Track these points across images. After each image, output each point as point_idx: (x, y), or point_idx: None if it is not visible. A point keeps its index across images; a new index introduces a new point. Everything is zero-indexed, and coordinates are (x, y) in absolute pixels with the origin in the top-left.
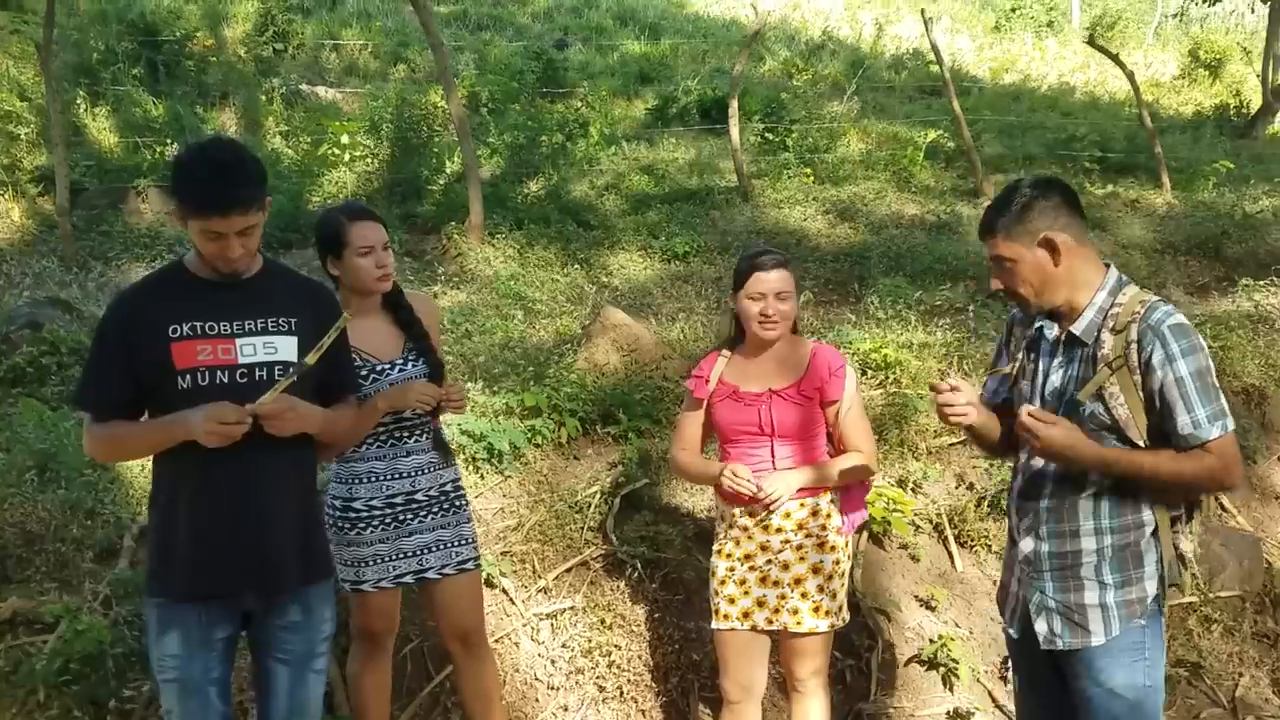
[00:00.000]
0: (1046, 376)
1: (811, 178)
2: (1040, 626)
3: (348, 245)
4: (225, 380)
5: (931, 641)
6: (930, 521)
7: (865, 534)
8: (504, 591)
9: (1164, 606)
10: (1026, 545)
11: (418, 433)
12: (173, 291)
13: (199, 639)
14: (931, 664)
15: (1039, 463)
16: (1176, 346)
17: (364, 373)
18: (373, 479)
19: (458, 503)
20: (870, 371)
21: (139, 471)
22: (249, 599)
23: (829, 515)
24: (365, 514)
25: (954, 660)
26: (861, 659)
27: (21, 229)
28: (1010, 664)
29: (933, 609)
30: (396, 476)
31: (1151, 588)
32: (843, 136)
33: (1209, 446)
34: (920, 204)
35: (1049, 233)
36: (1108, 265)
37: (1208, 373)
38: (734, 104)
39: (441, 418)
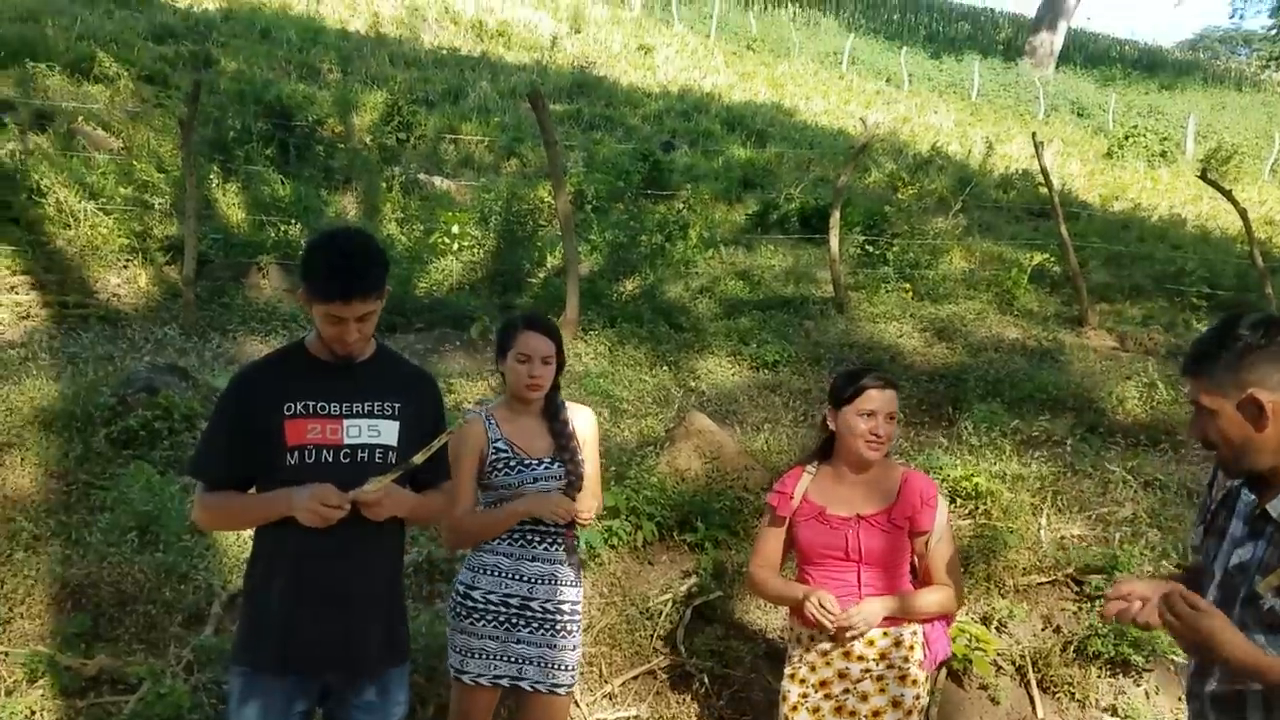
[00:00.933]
0: (1235, 545)
1: (910, 293)
2: None
3: (511, 349)
4: (330, 459)
5: None
6: (1013, 663)
7: (944, 671)
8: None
9: None
10: (1193, 706)
11: (550, 540)
12: (292, 370)
13: (279, 711)
14: None
15: (1219, 614)
16: None
17: (512, 464)
18: (496, 573)
19: (570, 626)
20: (960, 500)
21: (233, 540)
22: (331, 676)
23: (912, 647)
24: (482, 606)
25: None
26: None
27: (147, 295)
28: None
29: None
30: (518, 578)
31: None
32: (945, 253)
33: None
34: (1022, 328)
35: (1258, 392)
36: None
37: None
38: (836, 214)
39: (577, 531)
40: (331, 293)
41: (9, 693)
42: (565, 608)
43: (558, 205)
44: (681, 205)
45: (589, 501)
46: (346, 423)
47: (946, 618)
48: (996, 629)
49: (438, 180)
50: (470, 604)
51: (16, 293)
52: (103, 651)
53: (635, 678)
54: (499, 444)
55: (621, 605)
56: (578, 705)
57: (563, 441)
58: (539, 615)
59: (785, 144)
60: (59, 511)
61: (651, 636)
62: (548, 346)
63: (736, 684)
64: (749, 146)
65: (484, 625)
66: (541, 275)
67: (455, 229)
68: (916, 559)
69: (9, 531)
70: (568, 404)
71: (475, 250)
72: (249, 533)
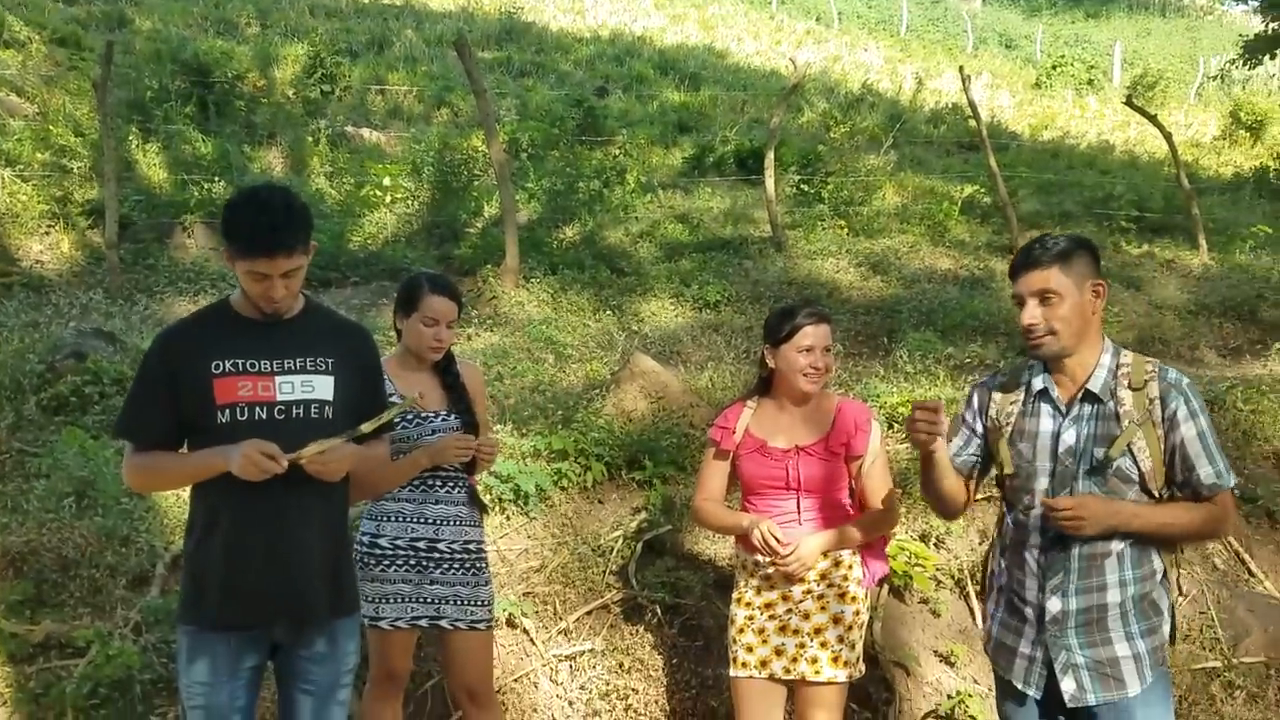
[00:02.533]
0: (1057, 436)
1: (846, 230)
2: (1068, 685)
3: (417, 310)
4: (263, 417)
5: (949, 697)
6: (952, 577)
7: (886, 587)
8: (525, 632)
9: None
10: (1054, 605)
11: (450, 484)
12: (217, 328)
13: (227, 667)
14: (948, 719)
15: (1085, 495)
16: (1197, 404)
17: (409, 418)
18: (400, 519)
19: (479, 564)
20: (897, 426)
21: (174, 501)
22: (278, 630)
23: (850, 566)
24: (390, 552)
25: (971, 717)
26: (878, 712)
27: (70, 260)
28: None
29: (952, 664)
30: (422, 521)
31: (1167, 632)
32: (878, 189)
33: (1221, 496)
34: (954, 259)
35: (1097, 280)
36: None
37: (1213, 429)
38: (770, 155)
39: (477, 475)
40: (255, 250)
41: None
42: (473, 547)
43: (491, 154)
44: (618, 151)
45: (490, 437)
46: (279, 379)
47: (885, 537)
48: (935, 545)
49: (366, 132)
50: (379, 551)
51: None
52: (48, 617)
53: (589, 613)
54: (394, 398)
55: (573, 544)
56: (533, 642)
57: (456, 394)
58: (448, 555)
59: (719, 86)
60: None
61: (604, 573)
62: (452, 310)
63: (688, 612)
64: (683, 90)
65: (395, 570)
66: (479, 225)
67: (387, 181)
68: (853, 483)
69: None
70: (460, 360)
71: (409, 202)
72: (189, 492)
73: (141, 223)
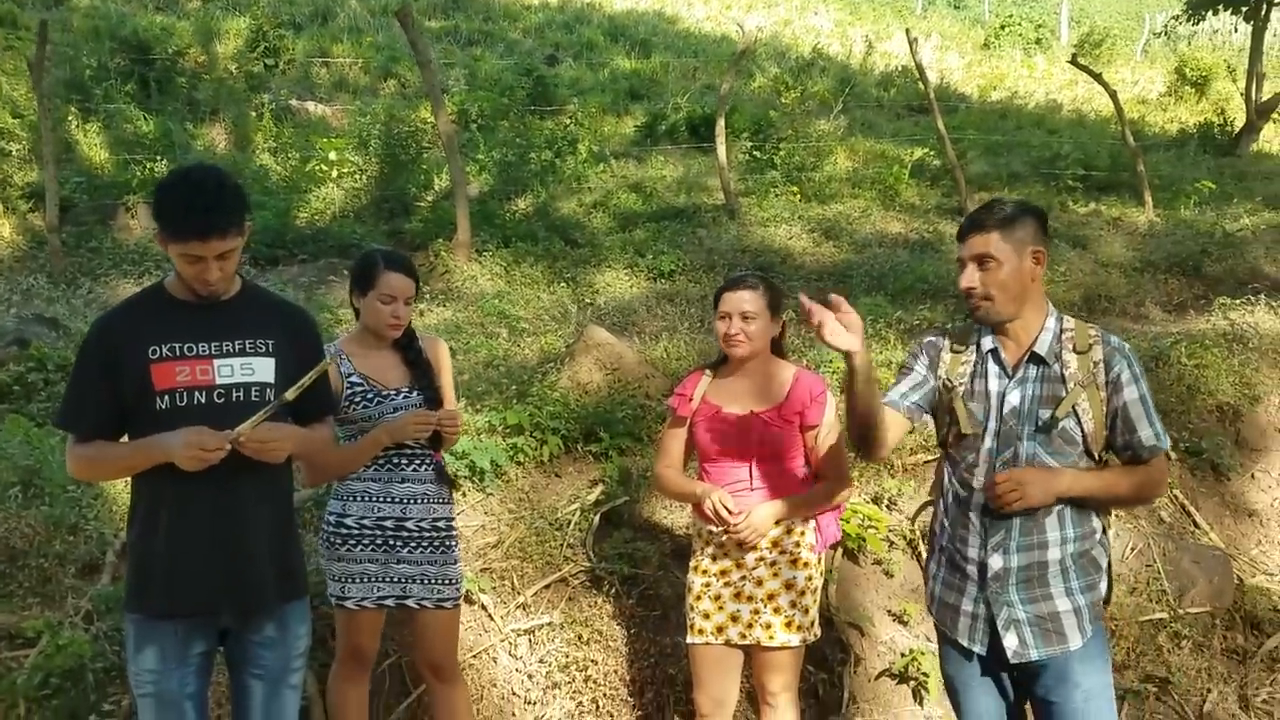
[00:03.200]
0: (1002, 397)
1: (798, 196)
2: (1010, 641)
3: (374, 288)
4: (203, 401)
5: (903, 655)
6: (904, 538)
7: (840, 550)
8: (483, 607)
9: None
10: (995, 562)
11: (416, 462)
12: (153, 313)
13: (176, 655)
14: (903, 678)
15: (1026, 469)
16: (1138, 368)
17: (370, 396)
18: (366, 499)
19: (448, 541)
20: None
21: (122, 488)
22: (226, 616)
23: (803, 533)
24: (356, 532)
25: (924, 674)
26: (834, 673)
27: (11, 245)
28: (957, 683)
29: (905, 624)
30: (389, 500)
31: (1103, 588)
32: (830, 154)
33: (1158, 459)
34: (904, 222)
35: (1038, 247)
36: None
37: (1151, 393)
38: (721, 122)
39: (443, 452)
40: (187, 232)
41: None
42: (441, 524)
43: (439, 126)
44: (569, 120)
45: (451, 410)
46: (217, 362)
47: (838, 505)
48: (887, 507)
49: (311, 106)
50: (345, 531)
51: None
52: None
53: (547, 586)
54: (353, 378)
55: (530, 519)
56: (491, 618)
57: (419, 370)
58: (416, 534)
59: (669, 53)
60: None
61: (561, 546)
62: (410, 287)
63: (645, 582)
64: (633, 57)
65: (361, 550)
66: (429, 199)
67: (333, 155)
68: (808, 452)
69: None
70: (422, 335)
71: (357, 177)
72: (130, 481)
73: (83, 204)
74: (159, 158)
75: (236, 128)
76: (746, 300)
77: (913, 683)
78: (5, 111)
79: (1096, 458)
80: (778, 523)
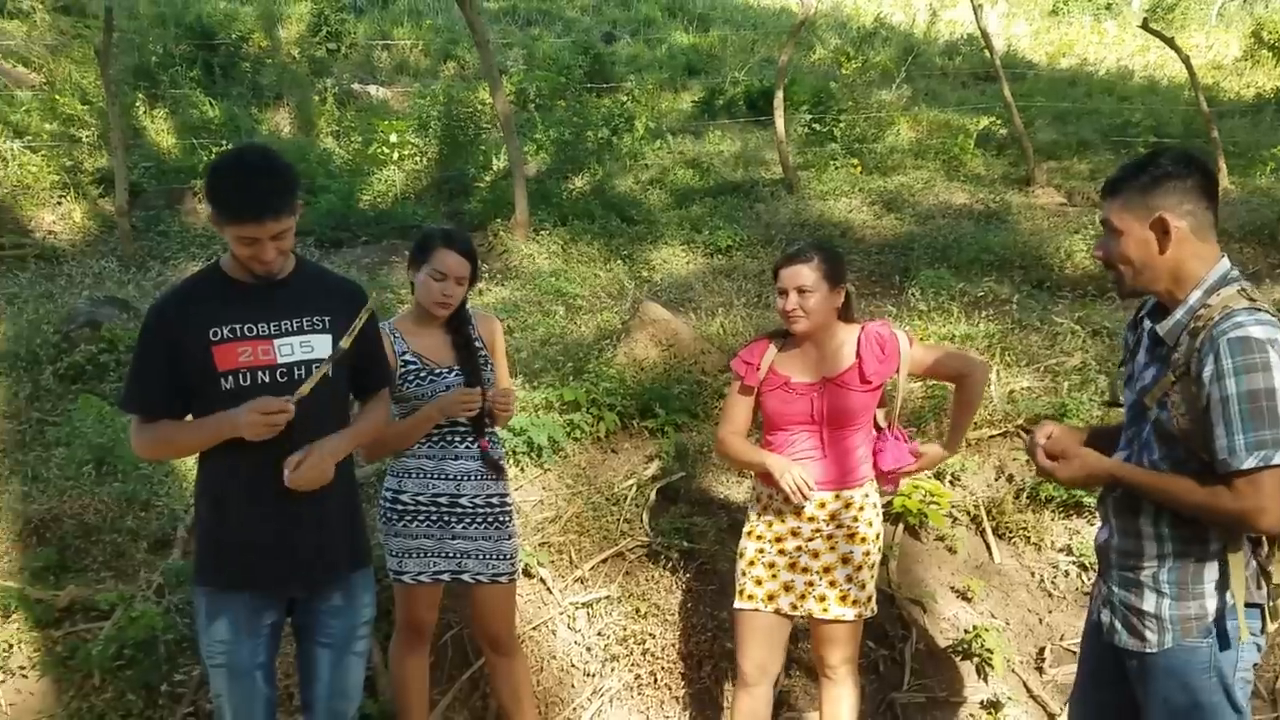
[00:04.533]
0: (1141, 373)
1: (859, 168)
2: (1104, 617)
3: (427, 263)
4: (266, 380)
5: (967, 632)
6: (968, 513)
7: (901, 526)
8: (542, 581)
9: (1240, 634)
10: (1101, 534)
11: (470, 439)
12: (211, 295)
13: (246, 625)
14: (966, 654)
15: (1084, 452)
16: (1229, 363)
17: (422, 375)
18: (420, 475)
19: (502, 518)
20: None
21: (191, 465)
22: (295, 586)
23: (862, 508)
24: (412, 508)
25: (988, 650)
26: (895, 649)
27: (83, 229)
28: (1082, 653)
29: (969, 600)
30: (443, 477)
31: (1212, 607)
32: (892, 125)
33: (1239, 480)
34: (969, 193)
35: (1166, 214)
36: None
37: (1265, 396)
38: (779, 94)
39: (497, 430)
40: (243, 214)
41: None
42: (495, 500)
43: (497, 106)
44: (626, 97)
45: (504, 388)
46: (277, 341)
47: (903, 443)
48: (950, 482)
49: (373, 89)
50: (400, 507)
51: None
52: (72, 582)
53: (604, 560)
54: (406, 356)
55: (587, 494)
56: (550, 591)
57: (465, 353)
58: (470, 510)
59: (728, 27)
60: (14, 450)
61: (618, 521)
62: (464, 267)
63: (702, 557)
64: (691, 32)
65: (417, 525)
66: (488, 179)
67: (394, 138)
68: (885, 400)
69: None
70: (476, 313)
71: (418, 158)
72: (196, 457)
73: (152, 189)
74: (225, 142)
75: (300, 112)
76: (803, 274)
77: (976, 659)
78: (74, 99)
79: (1207, 460)
80: (836, 496)
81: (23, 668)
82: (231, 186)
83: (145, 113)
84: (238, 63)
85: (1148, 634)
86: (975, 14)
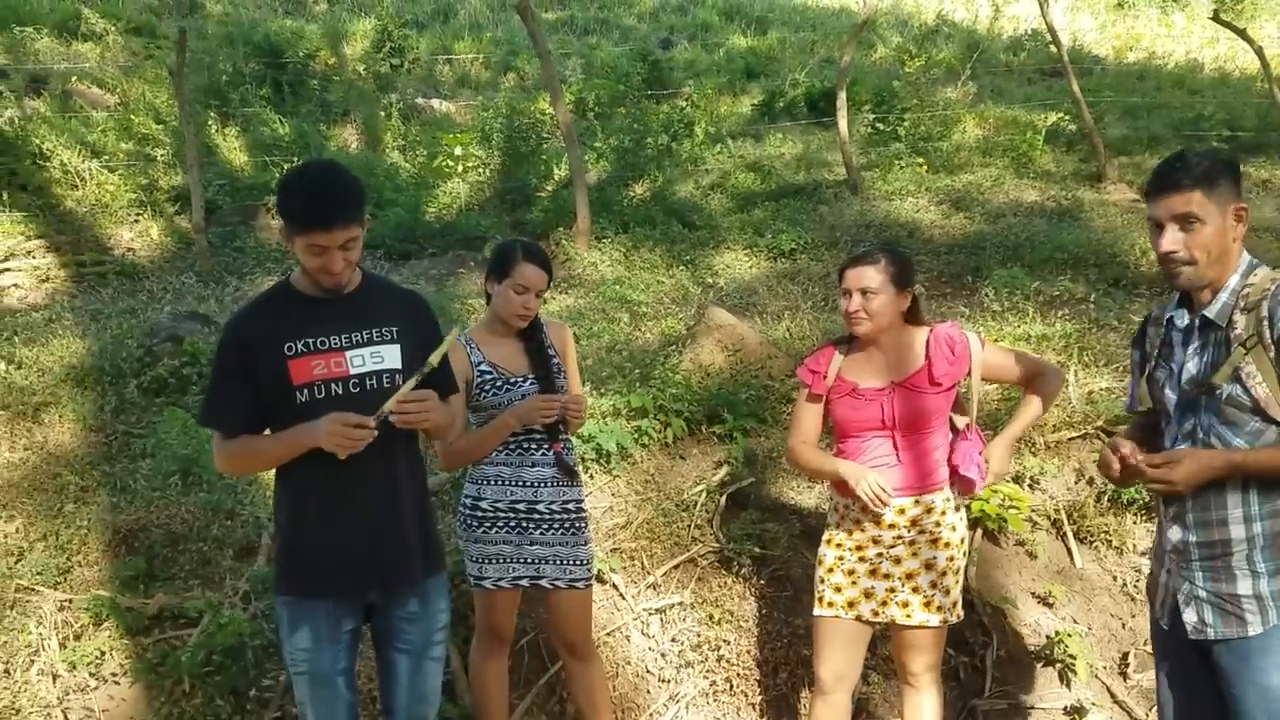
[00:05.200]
0: (1183, 366)
1: (925, 167)
2: (1189, 616)
3: (510, 276)
4: (340, 392)
5: (1049, 638)
6: (1048, 518)
7: (980, 531)
8: (614, 587)
9: None
10: (1174, 534)
11: (545, 446)
12: (283, 310)
13: (328, 633)
14: (1048, 660)
15: (1183, 449)
16: None
17: (499, 384)
18: (499, 483)
19: (578, 524)
20: None
21: (272, 475)
22: (373, 593)
23: (943, 513)
24: (491, 514)
25: (1071, 656)
26: (976, 655)
27: (161, 246)
28: (1156, 657)
29: (1050, 605)
30: (520, 484)
31: None
32: (958, 123)
33: None
34: (1040, 190)
35: (1240, 203)
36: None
37: None
38: (842, 95)
39: (570, 435)
40: (312, 223)
41: (77, 637)
42: (571, 507)
43: (558, 116)
44: (685, 103)
45: (576, 394)
46: (349, 354)
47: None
48: (1029, 486)
49: (436, 103)
50: (480, 514)
51: (34, 256)
52: (161, 590)
53: (676, 566)
54: (482, 366)
55: (657, 500)
56: (623, 597)
57: (539, 360)
58: (548, 516)
59: (786, 28)
60: (101, 463)
61: (689, 527)
62: (542, 279)
63: (775, 563)
64: (749, 35)
65: (496, 531)
66: (550, 188)
67: (458, 150)
68: (963, 400)
69: (57, 486)
70: (547, 321)
71: (481, 170)
72: (275, 469)
73: (226, 206)
74: (296, 158)
75: (367, 127)
76: (867, 276)
77: (1059, 665)
78: (149, 118)
79: None
80: (916, 502)
81: (115, 674)
82: (300, 198)
83: (217, 131)
84: (305, 80)
85: (1248, 616)
86: (1041, 8)
